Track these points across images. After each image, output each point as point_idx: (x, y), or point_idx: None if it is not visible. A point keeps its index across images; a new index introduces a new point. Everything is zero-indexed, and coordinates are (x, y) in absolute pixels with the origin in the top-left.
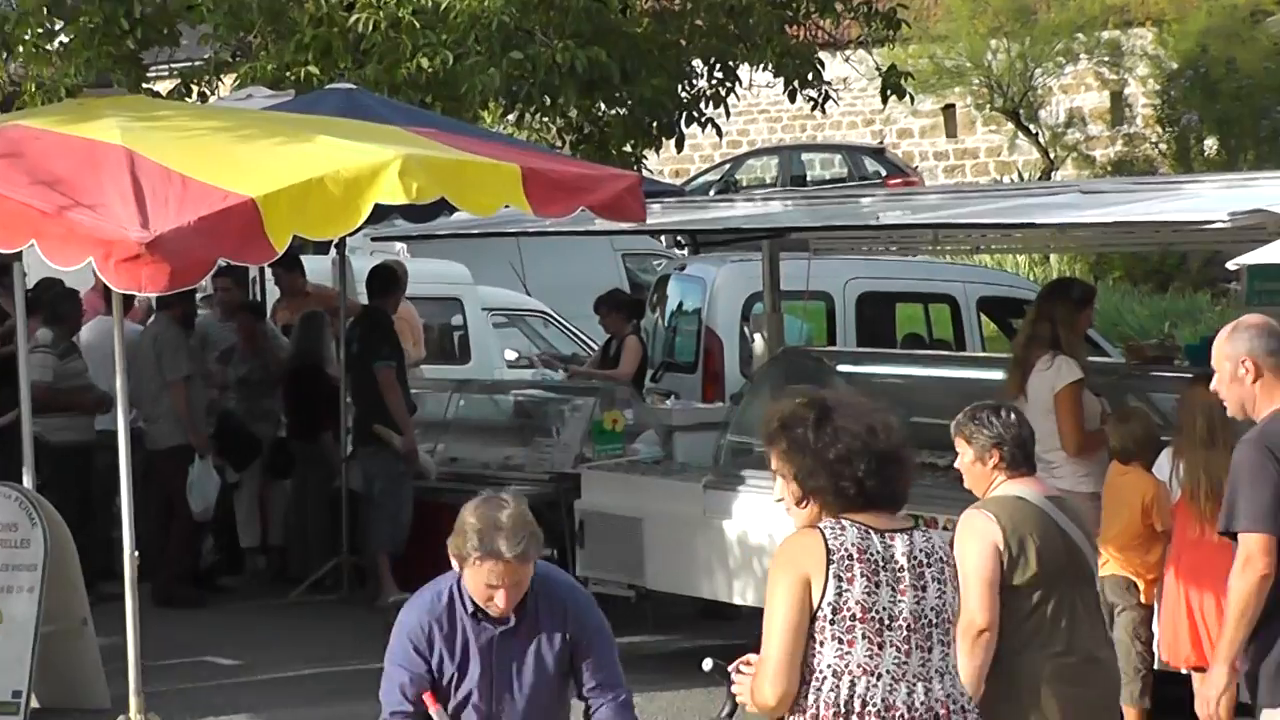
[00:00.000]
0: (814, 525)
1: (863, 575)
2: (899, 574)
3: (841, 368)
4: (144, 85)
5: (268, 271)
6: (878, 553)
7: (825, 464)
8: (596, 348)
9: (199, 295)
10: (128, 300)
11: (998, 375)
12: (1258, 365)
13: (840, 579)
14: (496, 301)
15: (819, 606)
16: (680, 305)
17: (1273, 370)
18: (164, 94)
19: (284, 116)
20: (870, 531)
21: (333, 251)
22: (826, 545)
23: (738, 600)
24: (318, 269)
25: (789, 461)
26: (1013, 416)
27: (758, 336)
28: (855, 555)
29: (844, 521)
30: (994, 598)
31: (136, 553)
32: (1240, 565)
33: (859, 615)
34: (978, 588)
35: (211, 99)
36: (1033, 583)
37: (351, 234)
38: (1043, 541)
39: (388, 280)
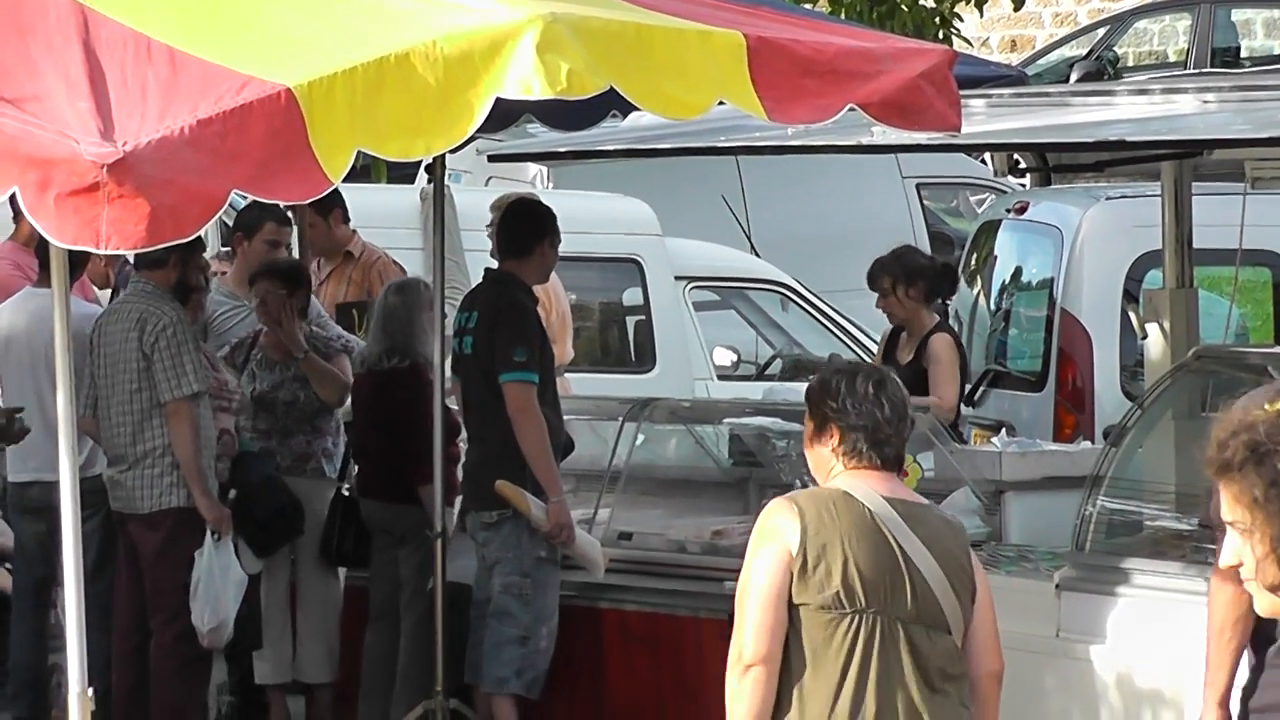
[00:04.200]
0: None
1: None
2: None
3: None
4: None
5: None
6: None
7: None
8: (876, 346)
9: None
10: (77, 261)
11: None
12: None
13: None
14: (699, 266)
15: None
16: (1018, 274)
17: None
18: None
19: None
20: None
21: (422, 179)
22: None
23: None
24: (385, 207)
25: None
26: (871, 389)
27: (1152, 328)
28: None
29: None
30: (773, 621)
31: (91, 691)
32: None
33: None
34: (751, 606)
35: None
36: (831, 604)
37: (455, 150)
38: (857, 553)
39: (535, 226)
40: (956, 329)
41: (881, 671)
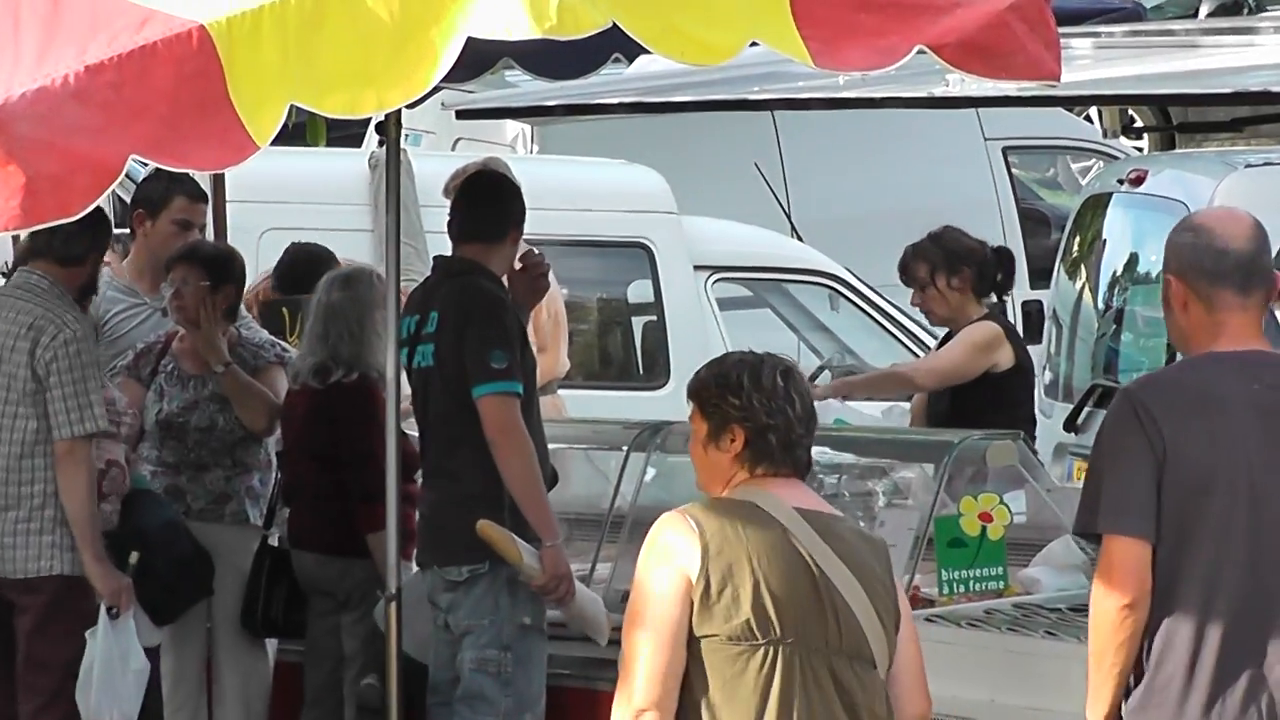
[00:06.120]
0: None
1: None
2: None
3: None
4: None
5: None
6: None
7: None
8: None
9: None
10: None
11: None
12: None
13: None
14: (726, 252)
15: None
16: (1133, 262)
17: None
18: None
19: None
20: None
21: (372, 141)
22: None
23: None
24: (326, 177)
25: None
26: (781, 382)
27: None
28: None
29: None
30: (668, 660)
31: None
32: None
33: None
34: (644, 643)
35: None
36: (741, 634)
37: (415, 104)
38: (768, 574)
39: (509, 204)
40: (1055, 333)
41: (805, 713)
